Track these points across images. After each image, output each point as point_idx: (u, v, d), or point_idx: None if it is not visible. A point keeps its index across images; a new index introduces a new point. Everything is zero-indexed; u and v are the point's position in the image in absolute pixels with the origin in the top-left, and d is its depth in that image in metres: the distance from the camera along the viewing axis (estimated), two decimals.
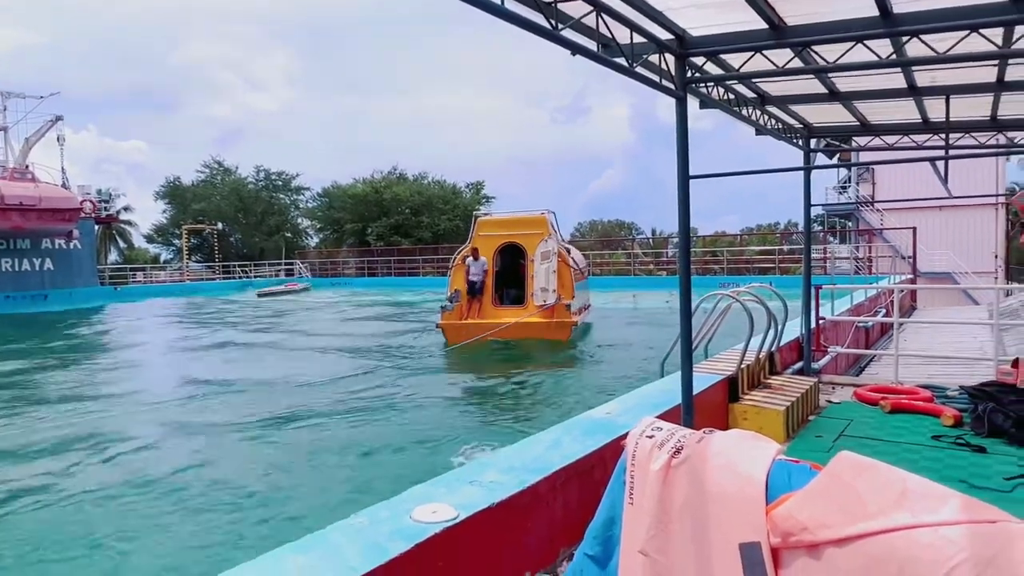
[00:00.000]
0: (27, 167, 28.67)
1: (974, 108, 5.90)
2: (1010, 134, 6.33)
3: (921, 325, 11.59)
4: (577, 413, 3.89)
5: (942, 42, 3.96)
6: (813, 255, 17.22)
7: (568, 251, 14.48)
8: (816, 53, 4.19)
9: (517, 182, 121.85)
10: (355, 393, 9.43)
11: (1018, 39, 4.07)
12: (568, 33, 3.63)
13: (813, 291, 7.53)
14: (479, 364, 11.47)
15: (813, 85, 5.42)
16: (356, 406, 8.47)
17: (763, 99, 5.75)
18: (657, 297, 24.17)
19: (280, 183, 60.83)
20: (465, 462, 5.56)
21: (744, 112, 5.51)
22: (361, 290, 37.57)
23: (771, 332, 6.29)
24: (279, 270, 48.58)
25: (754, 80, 5.29)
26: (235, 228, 55.22)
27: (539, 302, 13.60)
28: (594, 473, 3.34)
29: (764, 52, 4.21)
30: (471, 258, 14.08)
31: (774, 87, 5.58)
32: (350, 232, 52.96)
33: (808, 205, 7.10)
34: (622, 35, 4.04)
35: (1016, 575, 1.78)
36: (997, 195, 23.93)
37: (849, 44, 3.94)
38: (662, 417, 3.90)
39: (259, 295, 33.02)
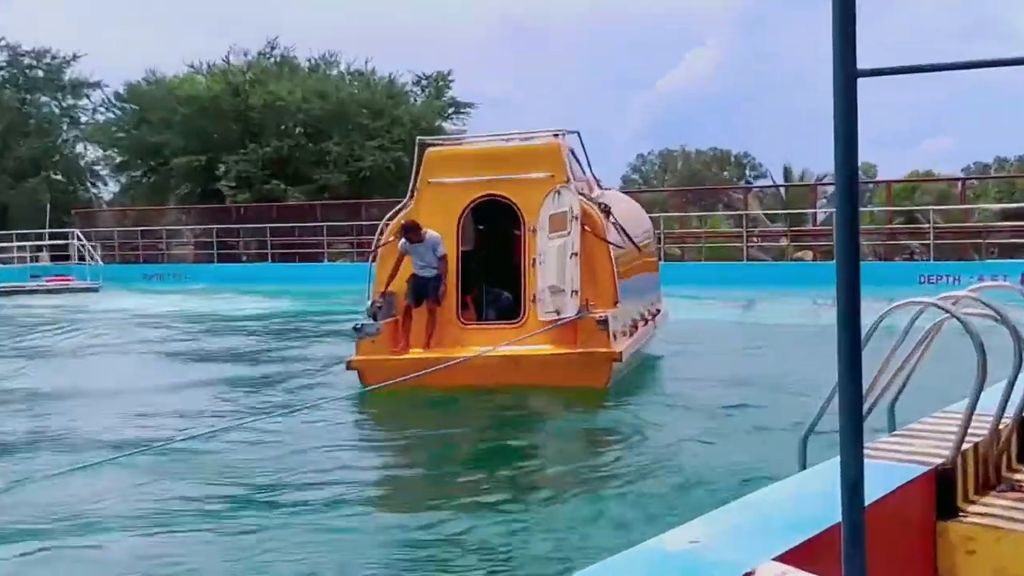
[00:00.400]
0: None
1: None
2: None
3: None
4: (629, 542, 3.05)
5: None
6: None
7: (607, 211, 13.04)
8: None
9: (516, 74, 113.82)
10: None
11: None
12: None
13: None
14: (424, 444, 9.82)
15: None
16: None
17: None
18: (794, 302, 21.53)
19: (41, 73, 54.29)
20: None
21: None
22: (206, 288, 33.78)
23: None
24: (38, 249, 42.31)
25: None
26: None
27: (546, 313, 12.07)
28: None
29: None
30: (406, 239, 12.61)
31: None
32: (183, 172, 47.95)
33: None
34: None
35: None
36: None
37: None
38: (802, 555, 2.88)
39: None
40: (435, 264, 12.73)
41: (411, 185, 13.84)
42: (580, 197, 12.98)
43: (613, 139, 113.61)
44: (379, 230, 14.06)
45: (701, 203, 44.82)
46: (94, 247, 39.34)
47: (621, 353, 11.98)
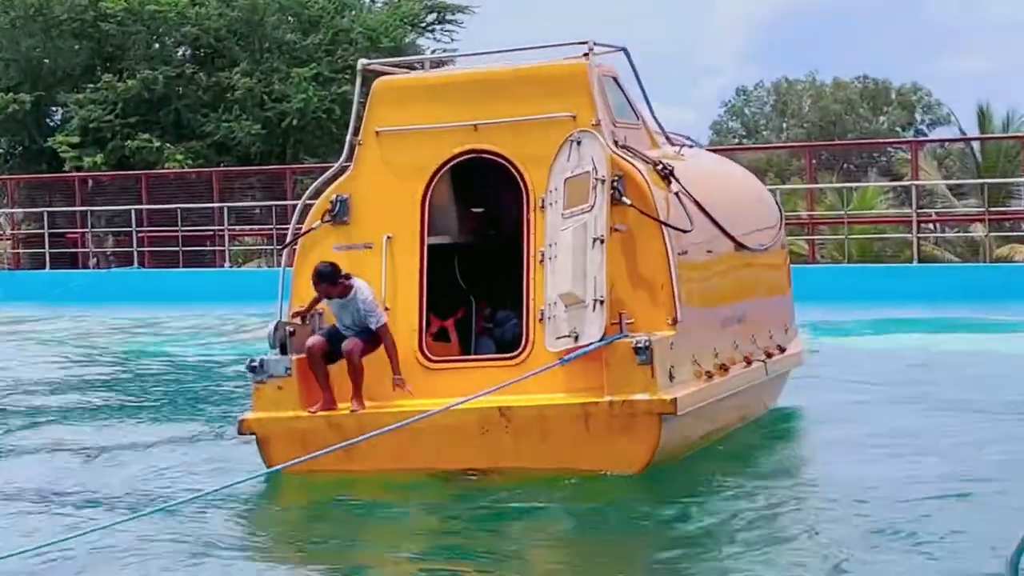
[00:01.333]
0: None
1: None
2: None
3: None
4: None
5: None
6: None
7: (667, 175, 13.51)
8: None
9: None
10: None
11: None
12: None
13: None
14: None
15: None
16: None
17: None
18: (992, 333, 23.82)
19: None
20: None
21: None
22: (28, 315, 35.12)
23: None
24: None
25: None
26: None
27: (557, 340, 12.62)
28: None
29: None
30: (318, 292, 13.14)
31: None
32: None
33: None
34: None
35: None
36: None
37: None
38: None
39: None
40: (358, 325, 12.95)
41: (348, 138, 14.03)
42: (623, 151, 13.11)
43: (696, 65, 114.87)
44: (297, 210, 14.32)
45: (842, 167, 45.42)
46: None
47: (675, 403, 12.01)
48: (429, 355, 13.06)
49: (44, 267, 40.86)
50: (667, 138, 14.83)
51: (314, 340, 12.76)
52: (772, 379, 15.02)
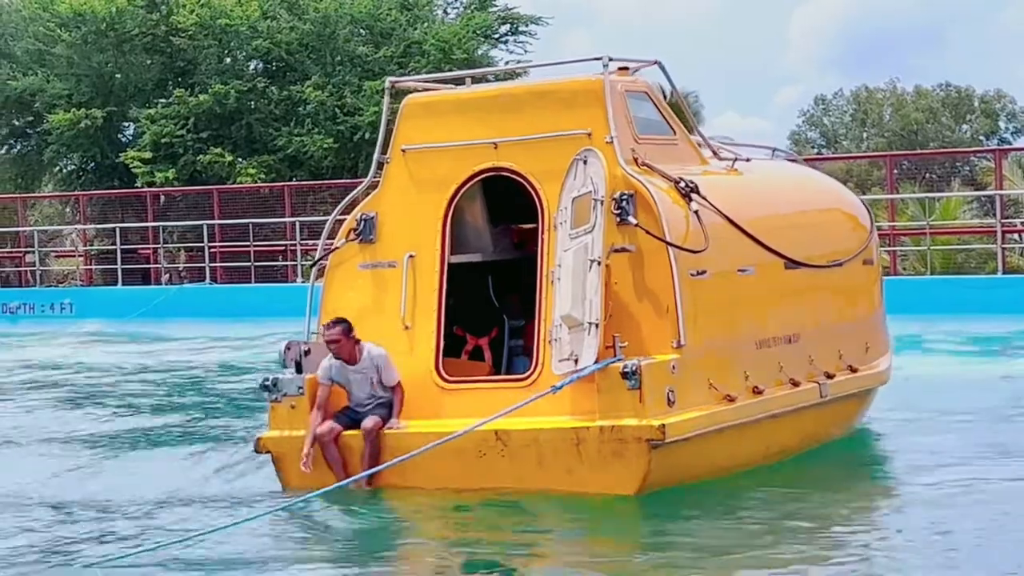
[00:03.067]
0: None
1: None
2: None
3: None
4: None
5: None
6: None
7: (688, 192, 13.40)
8: None
9: None
10: None
11: None
12: None
13: None
14: None
15: None
16: None
17: None
18: None
19: None
20: None
21: None
22: (102, 330, 35.82)
23: None
24: None
25: None
26: None
27: (560, 363, 12.62)
28: None
29: None
30: (333, 356, 13.18)
31: None
32: (66, 136, 47.87)
33: None
34: None
35: None
36: None
37: None
38: None
39: None
40: (381, 396, 12.99)
41: (376, 156, 14.15)
42: (640, 168, 13.01)
43: (774, 74, 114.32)
44: (327, 227, 14.55)
45: (924, 177, 44.99)
46: None
47: (664, 429, 11.90)
48: (444, 377, 13.08)
49: (116, 283, 41.13)
50: (714, 152, 14.67)
51: (324, 428, 12.82)
52: (841, 400, 14.75)
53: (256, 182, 43.55)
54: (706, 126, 61.26)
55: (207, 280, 40.00)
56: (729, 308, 13.32)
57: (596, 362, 11.91)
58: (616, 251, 12.59)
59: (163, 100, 45.74)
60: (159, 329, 34.62)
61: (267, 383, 13.16)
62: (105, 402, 21.92)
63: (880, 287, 16.72)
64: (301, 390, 12.92)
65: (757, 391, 13.18)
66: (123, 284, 40.87)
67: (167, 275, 42.70)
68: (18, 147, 51.09)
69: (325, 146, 44.26)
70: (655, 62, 14.41)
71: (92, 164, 48.96)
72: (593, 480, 11.99)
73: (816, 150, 71.83)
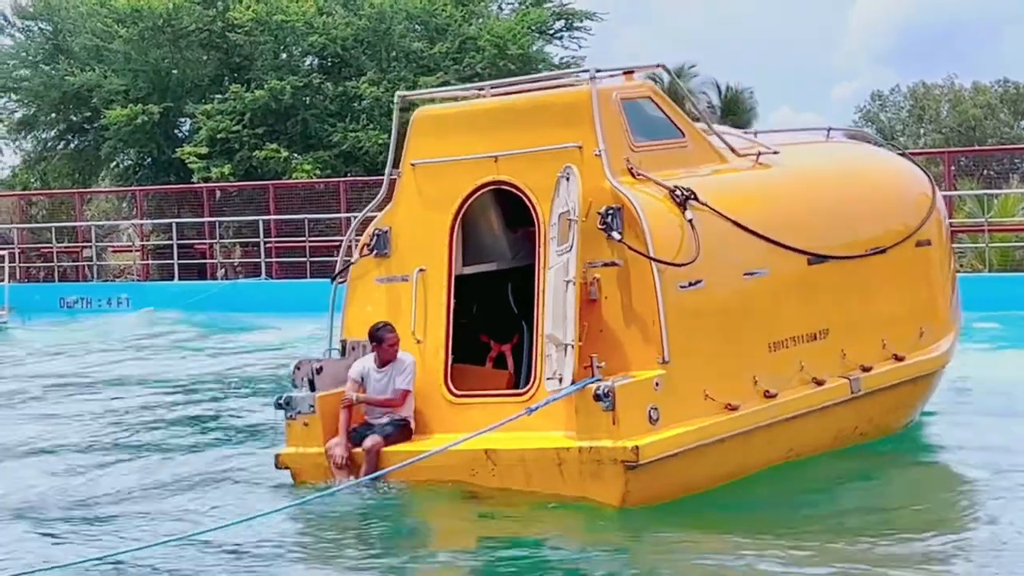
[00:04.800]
0: None
1: None
2: None
3: None
4: None
5: None
6: None
7: (683, 200, 13.20)
8: None
9: None
10: None
11: None
12: None
13: None
14: None
15: None
16: None
17: None
18: None
19: None
20: None
21: None
22: (156, 322, 36.46)
23: None
24: None
25: None
26: None
27: (548, 380, 12.65)
28: None
29: None
30: (376, 355, 13.48)
31: None
32: (123, 132, 48.28)
33: None
34: None
35: None
36: None
37: None
38: None
39: None
40: (393, 426, 13.11)
41: (387, 171, 14.24)
42: (632, 179, 12.94)
43: (830, 70, 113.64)
44: (344, 243, 14.84)
45: (982, 173, 44.48)
46: None
47: (637, 450, 11.82)
48: (452, 392, 13.21)
49: (173, 278, 41.42)
50: (732, 149, 14.50)
51: (332, 443, 12.95)
52: (888, 391, 14.59)
53: (311, 178, 43.66)
54: (760, 121, 61.24)
55: (262, 276, 40.23)
56: (732, 315, 13.24)
57: (573, 383, 11.96)
58: (605, 265, 12.64)
59: (219, 96, 45.94)
60: (212, 321, 34.91)
61: (280, 402, 13.44)
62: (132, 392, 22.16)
63: (944, 267, 16.36)
64: (313, 408, 13.13)
65: (769, 395, 13.13)
66: (179, 279, 41.11)
67: (223, 270, 42.97)
68: (75, 142, 51.47)
69: (380, 142, 44.18)
70: (660, 65, 14.42)
71: (148, 159, 49.28)
72: (576, 499, 12.01)
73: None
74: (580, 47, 50.16)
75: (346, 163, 45.36)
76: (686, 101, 17.07)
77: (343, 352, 13.85)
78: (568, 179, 12.59)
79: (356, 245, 14.47)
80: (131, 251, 46.09)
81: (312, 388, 13.31)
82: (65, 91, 48.06)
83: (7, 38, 52.13)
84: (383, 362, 13.09)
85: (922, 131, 72.34)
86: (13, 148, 54.90)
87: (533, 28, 48.18)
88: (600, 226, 12.52)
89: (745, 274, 13.31)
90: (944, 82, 74.18)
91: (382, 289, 13.92)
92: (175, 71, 47.52)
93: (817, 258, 14.01)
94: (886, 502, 12.73)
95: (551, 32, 49.96)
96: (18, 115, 51.90)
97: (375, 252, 13.94)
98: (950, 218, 35.06)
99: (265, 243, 40.59)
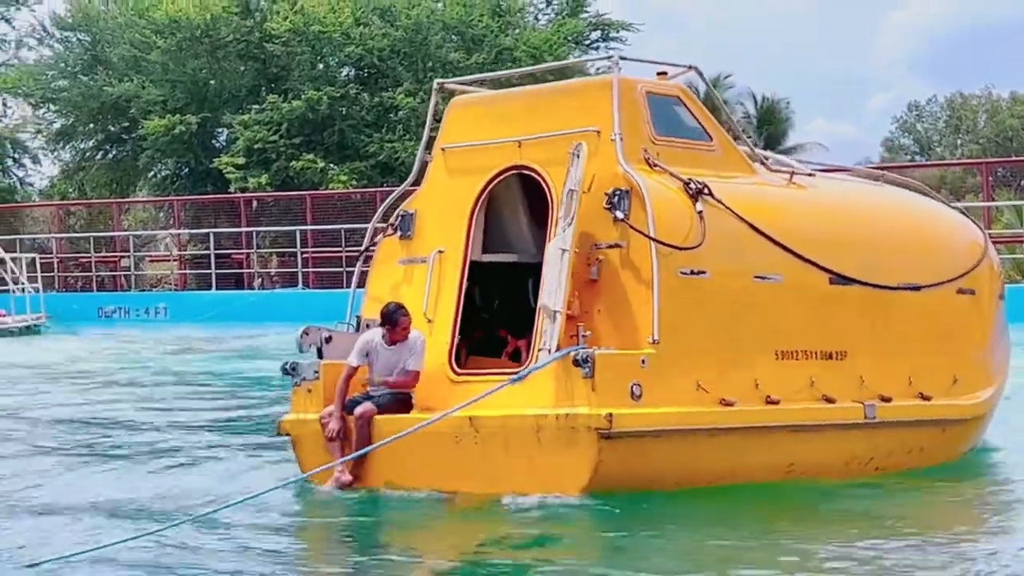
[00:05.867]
0: None
1: None
2: None
3: None
4: None
5: None
6: None
7: (696, 193, 13.32)
8: None
9: None
10: None
11: None
12: None
13: None
14: None
15: None
16: None
17: None
18: None
19: None
20: None
21: None
22: (190, 332, 36.34)
23: None
24: None
25: None
26: None
27: (539, 351, 12.76)
28: None
29: None
30: (384, 334, 13.39)
31: None
32: (161, 142, 49.04)
33: None
34: None
35: None
36: None
37: None
38: None
39: None
40: (387, 397, 13.24)
41: (420, 154, 14.53)
42: (648, 167, 13.05)
43: (867, 80, 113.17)
44: (372, 225, 14.72)
45: (1019, 184, 44.35)
46: (22, 263, 40.22)
47: (611, 418, 11.83)
48: (456, 369, 13.32)
49: (210, 288, 41.66)
50: (764, 163, 14.62)
51: (325, 411, 13.03)
52: (911, 427, 14.39)
53: (348, 188, 43.87)
54: (796, 132, 61.23)
55: (299, 285, 40.43)
56: (737, 313, 13.24)
57: (558, 350, 12.11)
58: (609, 247, 12.76)
59: (256, 106, 46.30)
60: (247, 332, 35.09)
61: (286, 367, 13.54)
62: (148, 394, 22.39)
63: (989, 321, 16.21)
64: (317, 374, 13.27)
65: (771, 401, 13.11)
66: (216, 289, 41.39)
67: (259, 280, 43.17)
68: (113, 152, 51.94)
69: (417, 152, 43.87)
70: (692, 67, 14.53)
71: (186, 169, 49.75)
72: (551, 468, 12.10)
73: (909, 157, 71.60)
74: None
75: (382, 173, 45.54)
76: (721, 112, 17.07)
77: (357, 327, 13.98)
78: (578, 156, 12.79)
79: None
80: (168, 261, 46.44)
81: (320, 356, 13.47)
82: (103, 101, 48.52)
83: (46, 49, 52.94)
84: (393, 341, 13.22)
85: (959, 141, 72.15)
86: (52, 158, 55.76)
87: (569, 39, 48.42)
88: (606, 206, 12.71)
89: (756, 277, 13.33)
90: (981, 92, 73.99)
91: (403, 270, 14.13)
92: (212, 82, 47.90)
93: (840, 279, 13.98)
94: (887, 510, 12.61)
95: (587, 42, 50.16)
96: (57, 125, 52.49)
97: (400, 234, 14.18)
98: (987, 229, 35.29)
99: (302, 253, 40.84)
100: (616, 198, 12.68)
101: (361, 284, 14.86)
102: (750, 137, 55.12)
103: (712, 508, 12.39)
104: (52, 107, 51.80)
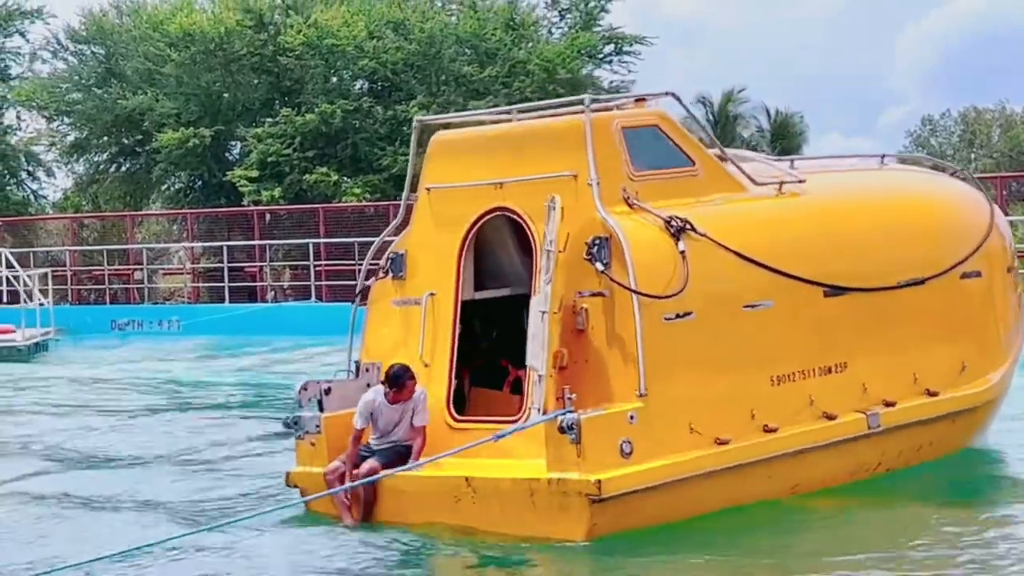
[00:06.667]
0: None
1: None
2: None
3: None
4: None
5: None
6: None
7: (678, 231, 13.15)
8: None
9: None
10: None
11: None
12: None
13: None
14: None
15: None
16: None
17: None
18: None
19: None
20: None
21: None
22: (205, 345, 36.80)
23: None
24: None
25: None
26: None
27: (529, 407, 12.90)
28: None
29: None
30: (387, 393, 13.42)
31: None
32: (175, 155, 48.96)
33: None
34: None
35: None
36: None
37: None
38: None
39: None
40: (406, 438, 13.12)
41: (404, 195, 14.55)
42: (626, 209, 12.84)
43: (880, 93, 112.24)
44: (364, 267, 14.87)
45: None
46: (36, 279, 39.82)
47: (599, 484, 11.71)
48: (454, 415, 13.29)
49: (223, 301, 41.51)
50: (750, 177, 14.30)
51: (331, 467, 13.08)
52: (919, 426, 14.23)
53: (361, 201, 43.72)
54: (810, 146, 61.00)
55: (312, 298, 40.28)
56: (727, 347, 13.08)
57: (544, 413, 12.03)
58: (592, 295, 12.65)
59: (270, 119, 46.18)
60: (261, 344, 34.86)
61: (288, 422, 13.70)
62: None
63: (998, 296, 15.90)
64: (319, 428, 13.29)
65: (769, 430, 12.96)
66: (229, 301, 41.23)
67: (272, 293, 43.01)
68: (127, 165, 51.81)
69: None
70: (670, 93, 14.36)
71: (199, 182, 49.66)
72: (547, 529, 12.01)
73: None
74: (629, 71, 50.19)
75: (396, 187, 44.41)
76: (699, 131, 16.82)
77: (357, 373, 13.95)
78: (553, 209, 12.68)
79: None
80: (182, 274, 46.30)
81: (320, 408, 13.44)
82: (117, 114, 48.46)
83: (60, 62, 52.82)
84: (395, 400, 13.15)
85: (973, 156, 71.62)
86: (65, 171, 55.60)
87: (583, 52, 48.26)
88: (586, 257, 12.56)
89: (745, 306, 13.21)
90: (995, 107, 73.58)
91: (398, 312, 14.06)
92: (226, 95, 47.77)
93: (836, 290, 13.84)
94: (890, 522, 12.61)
95: (600, 56, 50.00)
96: (71, 138, 52.37)
97: (392, 275, 14.09)
98: None
99: (315, 266, 40.70)
100: (596, 247, 12.51)
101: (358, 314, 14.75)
102: (763, 150, 55.36)
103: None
104: (66, 120, 51.72)
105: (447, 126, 15.32)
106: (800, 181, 14.58)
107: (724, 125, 57.43)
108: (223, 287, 42.08)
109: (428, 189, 14.17)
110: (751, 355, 13.24)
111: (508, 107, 15.47)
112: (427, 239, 14.02)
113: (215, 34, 46.54)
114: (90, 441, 19.46)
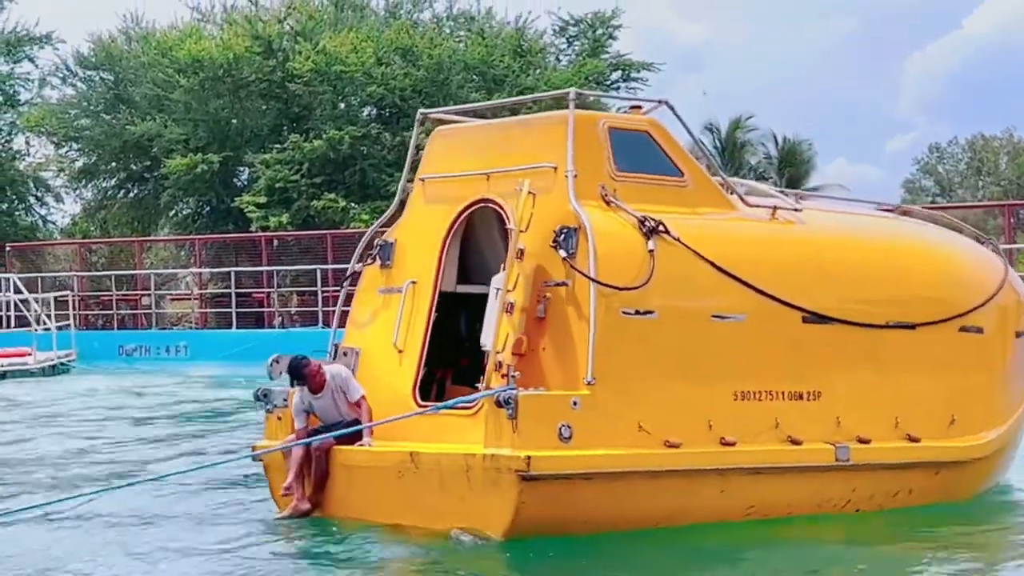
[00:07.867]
0: None
1: None
2: None
3: None
4: None
5: None
6: None
7: (650, 231, 13.20)
8: None
9: (726, 10, 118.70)
10: None
11: None
12: None
13: None
14: None
15: None
16: None
17: None
18: None
19: None
20: None
21: None
22: (213, 374, 36.55)
23: None
24: None
25: None
26: None
27: (480, 387, 13.03)
28: None
29: None
30: (301, 389, 13.82)
31: None
32: (183, 180, 49.26)
33: None
34: None
35: None
36: None
37: None
38: None
39: None
40: (350, 414, 13.25)
41: (402, 184, 14.65)
42: (598, 205, 12.90)
43: (887, 121, 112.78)
44: (357, 252, 14.85)
45: None
46: (44, 303, 40.45)
47: (529, 460, 11.69)
48: (419, 401, 13.30)
49: (231, 327, 41.64)
50: (741, 198, 14.27)
51: (287, 484, 13.17)
52: (898, 470, 13.95)
53: (368, 227, 43.04)
54: (817, 173, 61.03)
55: (319, 324, 40.12)
56: (689, 354, 13.00)
57: (488, 389, 12.10)
58: (556, 285, 12.66)
59: (278, 145, 46.28)
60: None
61: (258, 393, 13.88)
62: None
63: (999, 360, 15.55)
64: (286, 402, 13.51)
65: (726, 443, 12.84)
66: (237, 327, 41.37)
67: (279, 318, 43.08)
68: (135, 191, 51.98)
69: None
70: (663, 102, 14.36)
71: (207, 208, 49.74)
72: (479, 508, 12.02)
73: (931, 199, 71.11)
74: (638, 96, 49.64)
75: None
76: (696, 149, 16.87)
77: (333, 356, 14.02)
78: (520, 192, 12.81)
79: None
80: (189, 299, 46.43)
81: (292, 384, 13.60)
82: (126, 140, 48.69)
83: (69, 88, 53.13)
84: (315, 389, 13.29)
85: (980, 183, 71.80)
86: (74, 196, 55.88)
87: (590, 79, 48.25)
88: (552, 244, 12.62)
89: (714, 316, 13.16)
90: (1003, 134, 73.72)
91: (382, 299, 14.18)
92: (235, 121, 47.96)
93: (816, 317, 13.71)
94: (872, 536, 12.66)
95: (608, 83, 50.18)
96: (79, 164, 52.60)
97: (380, 262, 14.23)
98: None
99: (322, 292, 40.77)
100: (563, 236, 12.59)
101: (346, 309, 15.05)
102: (770, 178, 55.42)
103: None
104: (75, 145, 52.00)
105: (447, 122, 15.44)
106: (796, 210, 14.60)
107: (732, 152, 57.57)
108: (230, 312, 42.21)
109: (422, 180, 14.31)
110: (715, 365, 13.18)
111: (503, 100, 15.38)
112: (416, 228, 14.13)
113: (224, 60, 46.79)
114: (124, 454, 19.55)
